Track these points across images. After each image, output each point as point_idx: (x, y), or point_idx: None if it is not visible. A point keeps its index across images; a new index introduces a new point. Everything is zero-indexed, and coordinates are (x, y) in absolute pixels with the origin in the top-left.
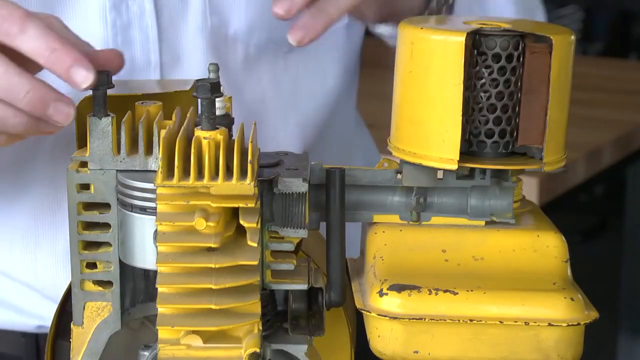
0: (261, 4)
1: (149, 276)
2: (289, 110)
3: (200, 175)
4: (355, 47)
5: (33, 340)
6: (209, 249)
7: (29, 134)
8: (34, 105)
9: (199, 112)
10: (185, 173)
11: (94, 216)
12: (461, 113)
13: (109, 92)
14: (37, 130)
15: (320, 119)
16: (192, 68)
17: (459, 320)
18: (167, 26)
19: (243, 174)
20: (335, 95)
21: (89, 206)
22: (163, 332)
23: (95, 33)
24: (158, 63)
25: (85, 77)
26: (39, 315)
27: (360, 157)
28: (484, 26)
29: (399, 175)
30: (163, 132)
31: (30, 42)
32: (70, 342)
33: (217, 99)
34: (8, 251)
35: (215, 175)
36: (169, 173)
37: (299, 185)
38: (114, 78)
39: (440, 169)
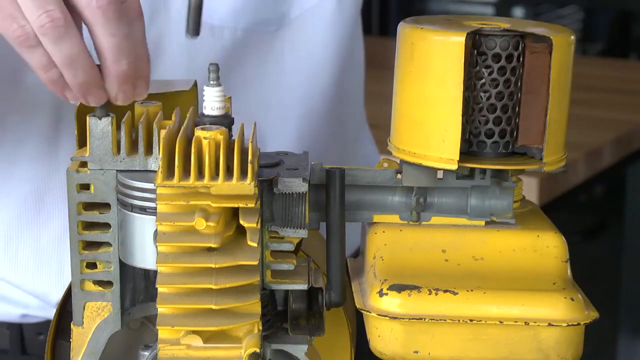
0: None
1: (149, 276)
2: (271, 102)
3: (200, 175)
4: (350, 20)
5: (18, 331)
6: (209, 249)
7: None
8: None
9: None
10: (186, 173)
11: (94, 216)
12: (461, 113)
13: None
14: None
15: (308, 111)
16: (173, 62)
17: (459, 320)
18: (147, 21)
19: (243, 174)
20: (327, 83)
21: (89, 206)
22: (163, 332)
23: None
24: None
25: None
26: (23, 304)
27: (359, 160)
28: (484, 26)
29: (399, 175)
30: (163, 132)
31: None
32: (70, 342)
33: (216, 98)
34: None
35: (215, 175)
36: (169, 173)
37: (299, 185)
38: None
39: (440, 169)
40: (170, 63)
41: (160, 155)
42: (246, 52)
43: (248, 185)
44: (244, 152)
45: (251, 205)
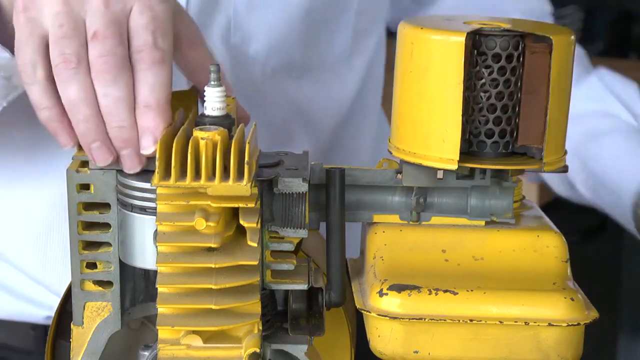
0: (283, 28)
1: (149, 276)
2: (308, 127)
3: (197, 175)
4: (370, 59)
5: (42, 332)
6: (209, 249)
7: None
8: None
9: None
10: (183, 173)
11: (94, 216)
12: (461, 113)
13: None
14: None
15: (337, 135)
16: None
17: (459, 320)
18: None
19: (240, 174)
20: (350, 114)
21: (89, 206)
22: (163, 332)
23: None
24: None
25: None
26: (48, 306)
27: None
28: (484, 26)
29: (399, 175)
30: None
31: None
32: (70, 342)
33: (217, 99)
34: (21, 244)
35: (212, 175)
36: (166, 173)
37: (299, 185)
38: None
39: (440, 169)
40: None
41: (158, 156)
42: (274, 89)
43: (244, 187)
44: (242, 153)
45: (251, 205)
